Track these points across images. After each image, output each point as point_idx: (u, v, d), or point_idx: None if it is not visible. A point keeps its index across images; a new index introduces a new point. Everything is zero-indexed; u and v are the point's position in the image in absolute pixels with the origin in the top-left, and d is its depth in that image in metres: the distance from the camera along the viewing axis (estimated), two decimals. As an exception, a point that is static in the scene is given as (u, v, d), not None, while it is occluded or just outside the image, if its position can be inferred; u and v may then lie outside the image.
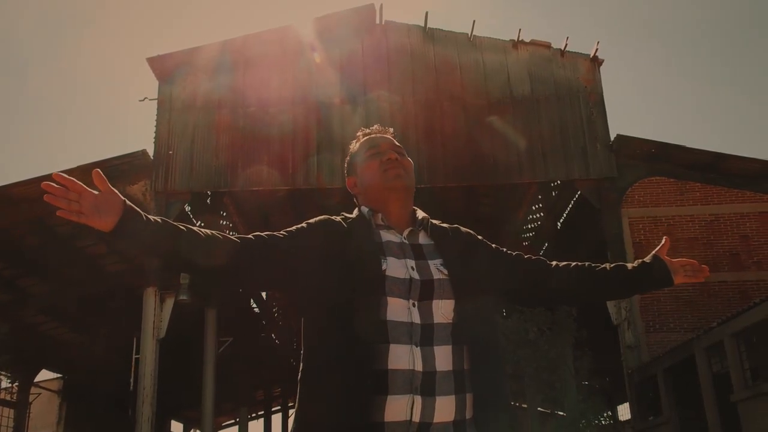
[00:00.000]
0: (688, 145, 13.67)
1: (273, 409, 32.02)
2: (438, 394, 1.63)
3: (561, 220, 17.20)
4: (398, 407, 1.60)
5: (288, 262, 1.79)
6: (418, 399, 1.61)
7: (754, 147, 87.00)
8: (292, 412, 30.76)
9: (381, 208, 1.90)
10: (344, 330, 1.65)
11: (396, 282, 1.71)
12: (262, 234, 1.82)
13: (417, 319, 1.69)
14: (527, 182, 14.96)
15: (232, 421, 35.35)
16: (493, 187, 15.96)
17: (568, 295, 2.11)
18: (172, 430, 32.51)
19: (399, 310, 1.69)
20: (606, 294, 2.17)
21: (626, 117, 75.29)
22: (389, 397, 1.60)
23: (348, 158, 2.08)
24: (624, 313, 12.75)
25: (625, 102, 71.89)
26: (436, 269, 1.77)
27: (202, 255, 1.69)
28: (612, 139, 13.90)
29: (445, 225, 1.97)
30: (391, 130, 2.07)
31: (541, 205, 17.99)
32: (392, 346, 1.64)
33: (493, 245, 2.00)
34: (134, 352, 13.90)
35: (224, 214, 16.66)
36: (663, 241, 2.06)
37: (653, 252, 2.04)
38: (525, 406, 15.43)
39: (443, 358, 1.67)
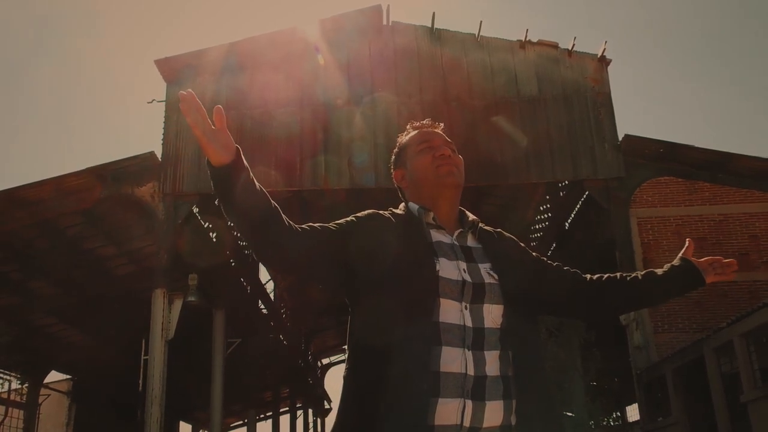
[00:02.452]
0: (697, 144, 13.61)
1: (281, 410, 32.04)
2: (488, 398, 1.61)
3: (569, 221, 17.16)
4: (449, 411, 1.58)
5: (339, 256, 1.75)
6: (469, 403, 1.59)
7: (762, 147, 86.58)
8: (300, 413, 30.72)
9: (430, 205, 1.87)
10: (395, 330, 1.62)
11: (449, 283, 1.69)
12: (315, 225, 1.79)
13: (469, 322, 1.66)
14: (534, 182, 14.93)
15: (241, 422, 35.43)
16: (501, 188, 15.93)
17: (603, 306, 2.05)
18: (180, 431, 32.61)
19: (452, 312, 1.66)
20: (642, 302, 2.13)
21: (634, 117, 75.09)
22: (440, 400, 1.58)
23: (396, 150, 2.03)
24: (632, 313, 12.69)
25: (633, 102, 71.68)
26: (487, 273, 1.75)
27: (275, 234, 1.68)
28: (620, 139, 13.85)
29: (489, 228, 1.94)
30: (442, 125, 2.04)
31: (548, 205, 17.95)
32: (444, 349, 1.62)
33: (534, 253, 1.99)
34: (143, 353, 13.94)
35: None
36: (687, 244, 2.06)
37: (679, 255, 2.03)
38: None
39: (493, 362, 1.65)
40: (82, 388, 22.51)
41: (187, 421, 33.07)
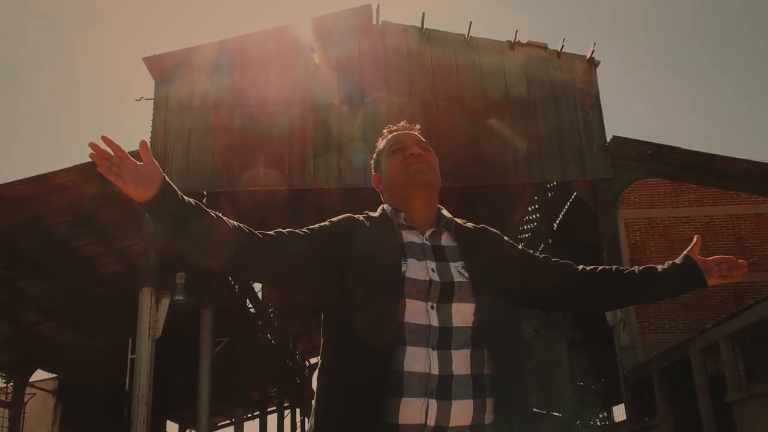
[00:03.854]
0: (684, 146, 13.70)
1: (268, 409, 31.97)
2: (454, 398, 1.61)
3: (557, 221, 17.22)
4: (413, 410, 1.59)
5: (308, 261, 1.77)
6: (433, 402, 1.59)
7: (750, 148, 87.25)
8: (287, 412, 30.69)
9: (404, 206, 1.87)
10: (361, 330, 1.63)
11: (415, 284, 1.69)
12: (283, 231, 1.80)
13: (435, 322, 1.66)
14: (523, 183, 14.97)
15: (228, 421, 35.34)
16: (491, 188, 15.97)
17: (596, 300, 2.00)
18: (167, 430, 32.49)
19: (417, 312, 1.67)
20: (635, 298, 2.04)
21: (622, 118, 75.45)
22: (403, 399, 1.59)
23: (374, 155, 2.04)
24: (619, 314, 12.76)
25: (621, 103, 72.05)
26: (457, 272, 1.74)
27: (227, 246, 1.68)
28: (608, 140, 13.93)
29: (470, 225, 1.93)
30: (418, 126, 2.04)
31: (537, 206, 18.01)
32: (409, 348, 1.62)
33: (520, 247, 1.96)
34: (130, 352, 13.88)
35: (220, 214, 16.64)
36: (694, 240, 1.95)
37: (684, 252, 1.94)
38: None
39: (461, 362, 1.65)
40: (69, 387, 22.37)
41: (173, 420, 32.95)
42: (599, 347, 14.54)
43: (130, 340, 13.85)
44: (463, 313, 1.69)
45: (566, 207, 16.24)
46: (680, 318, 12.85)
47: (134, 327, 13.16)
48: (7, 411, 19.41)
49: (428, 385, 1.60)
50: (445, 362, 1.63)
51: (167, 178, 1.64)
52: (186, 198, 1.66)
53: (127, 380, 13.79)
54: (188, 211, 1.65)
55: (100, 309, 17.77)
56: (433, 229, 1.85)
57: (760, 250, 13.27)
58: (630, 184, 13.78)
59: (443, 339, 1.65)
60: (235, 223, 1.72)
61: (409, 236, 1.81)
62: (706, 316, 12.10)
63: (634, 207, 13.71)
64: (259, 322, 23.88)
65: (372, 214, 1.90)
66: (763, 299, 8.97)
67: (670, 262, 1.94)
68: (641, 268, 1.95)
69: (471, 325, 1.69)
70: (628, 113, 74.49)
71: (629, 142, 13.76)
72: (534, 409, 13.71)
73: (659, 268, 1.93)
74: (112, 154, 1.59)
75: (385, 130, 2.05)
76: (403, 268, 1.70)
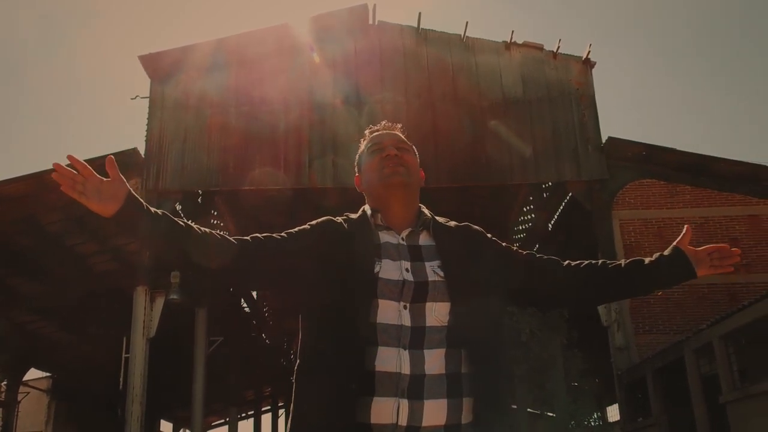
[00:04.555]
0: (679, 147, 13.76)
1: (263, 409, 31.95)
2: (427, 397, 1.60)
3: (552, 222, 17.23)
4: (384, 409, 1.59)
5: (283, 265, 1.78)
6: (405, 402, 1.59)
7: (745, 148, 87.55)
8: (282, 412, 30.73)
9: (382, 207, 1.87)
10: (334, 331, 1.65)
11: (389, 284, 1.69)
12: (259, 236, 1.81)
13: (407, 322, 1.66)
14: (519, 183, 14.97)
15: (222, 420, 35.27)
16: (486, 188, 15.97)
17: (583, 295, 1.97)
18: (161, 429, 32.42)
19: (389, 312, 1.67)
20: (623, 292, 2.00)
21: (617, 119, 75.60)
22: (375, 399, 1.59)
23: (357, 156, 2.04)
24: (614, 314, 12.80)
25: (617, 104, 72.20)
26: (432, 271, 1.73)
27: (198, 253, 1.70)
28: (603, 141, 13.96)
29: (451, 224, 1.92)
30: (399, 125, 2.03)
31: (532, 206, 18.03)
32: (380, 348, 1.63)
33: (504, 244, 1.95)
34: (124, 351, 13.84)
35: (215, 213, 16.62)
36: (684, 230, 1.91)
37: (674, 242, 1.91)
38: (515, 406, 15.43)
39: (435, 361, 1.64)
40: (62, 386, 22.30)
41: (168, 419, 32.88)
42: (594, 348, 14.56)
43: (125, 339, 13.80)
44: (437, 313, 1.69)
45: (561, 207, 16.25)
46: (674, 319, 12.89)
47: (129, 326, 13.13)
48: (0, 410, 19.34)
49: (399, 385, 1.60)
50: (417, 362, 1.63)
51: (133, 192, 1.67)
52: (153, 209, 1.68)
53: (121, 379, 13.74)
54: (155, 223, 1.66)
55: (95, 308, 17.71)
56: (410, 229, 1.84)
57: (754, 252, 13.29)
58: (625, 185, 13.80)
59: (415, 339, 1.65)
60: (206, 230, 1.74)
61: (385, 237, 1.82)
62: (701, 317, 12.13)
63: (629, 208, 13.74)
64: (254, 322, 23.85)
65: (351, 215, 1.92)
66: (757, 300, 9.01)
67: (659, 253, 1.91)
68: (628, 261, 1.92)
69: (446, 324, 1.68)
70: (624, 114, 74.65)
71: (624, 143, 13.79)
72: (528, 410, 13.77)
73: (647, 260, 1.91)
74: (77, 173, 1.62)
75: (366, 131, 2.04)
76: (377, 269, 1.71)
